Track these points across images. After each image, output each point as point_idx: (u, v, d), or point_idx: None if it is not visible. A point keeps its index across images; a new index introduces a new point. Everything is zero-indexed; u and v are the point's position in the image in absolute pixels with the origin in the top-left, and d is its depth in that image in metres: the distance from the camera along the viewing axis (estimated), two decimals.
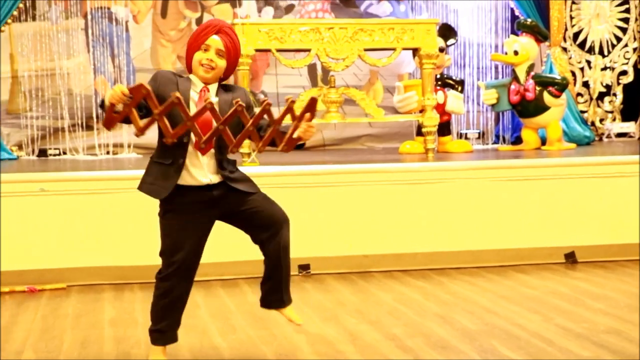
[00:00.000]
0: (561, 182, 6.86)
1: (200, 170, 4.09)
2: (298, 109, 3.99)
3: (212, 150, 4.09)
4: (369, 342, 4.68)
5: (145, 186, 4.14)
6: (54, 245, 6.29)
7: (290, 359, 4.40)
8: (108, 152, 8.99)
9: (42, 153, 8.93)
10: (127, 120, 3.84)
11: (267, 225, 4.20)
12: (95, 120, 9.10)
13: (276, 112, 3.98)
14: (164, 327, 4.26)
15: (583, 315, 5.17)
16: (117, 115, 3.79)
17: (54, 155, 8.94)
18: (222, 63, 4.10)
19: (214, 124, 3.87)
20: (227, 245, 6.19)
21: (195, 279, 6.29)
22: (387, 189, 6.67)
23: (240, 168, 4.27)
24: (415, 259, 6.68)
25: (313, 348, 4.57)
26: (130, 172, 6.72)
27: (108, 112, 3.79)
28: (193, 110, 3.96)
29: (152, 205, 6.28)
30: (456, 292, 5.95)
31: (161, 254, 4.18)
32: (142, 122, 3.83)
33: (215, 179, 4.12)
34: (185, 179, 4.08)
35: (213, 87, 4.14)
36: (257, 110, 4.01)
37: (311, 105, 3.98)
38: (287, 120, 4.01)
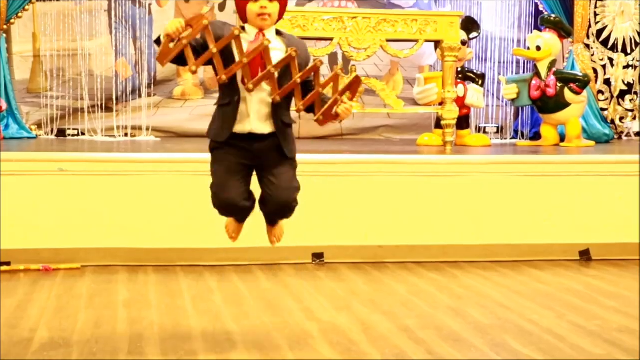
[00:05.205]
0: (578, 179, 6.84)
1: (246, 118, 4.07)
2: (341, 84, 3.96)
3: (266, 98, 4.04)
4: (381, 333, 4.68)
5: (210, 132, 4.16)
6: (70, 225, 6.32)
7: (301, 346, 4.42)
8: (126, 134, 9.01)
9: (61, 133, 8.95)
10: (179, 59, 3.82)
11: (275, 203, 4.23)
12: (114, 102, 9.12)
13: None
14: None
15: (596, 313, 5.17)
16: (173, 48, 3.74)
17: (73, 135, 8.97)
18: (275, 7, 4.05)
19: (266, 68, 3.86)
20: (242, 232, 6.22)
21: (209, 263, 6.37)
22: (404, 180, 6.67)
23: None
24: (430, 251, 6.68)
25: (325, 336, 4.57)
26: (147, 154, 6.74)
27: (164, 45, 3.73)
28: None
29: (169, 188, 6.33)
30: (469, 285, 5.94)
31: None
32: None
33: (264, 128, 4.08)
34: (237, 126, 4.07)
35: (270, 33, 4.08)
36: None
37: (354, 84, 3.96)
38: (329, 91, 3.99)
